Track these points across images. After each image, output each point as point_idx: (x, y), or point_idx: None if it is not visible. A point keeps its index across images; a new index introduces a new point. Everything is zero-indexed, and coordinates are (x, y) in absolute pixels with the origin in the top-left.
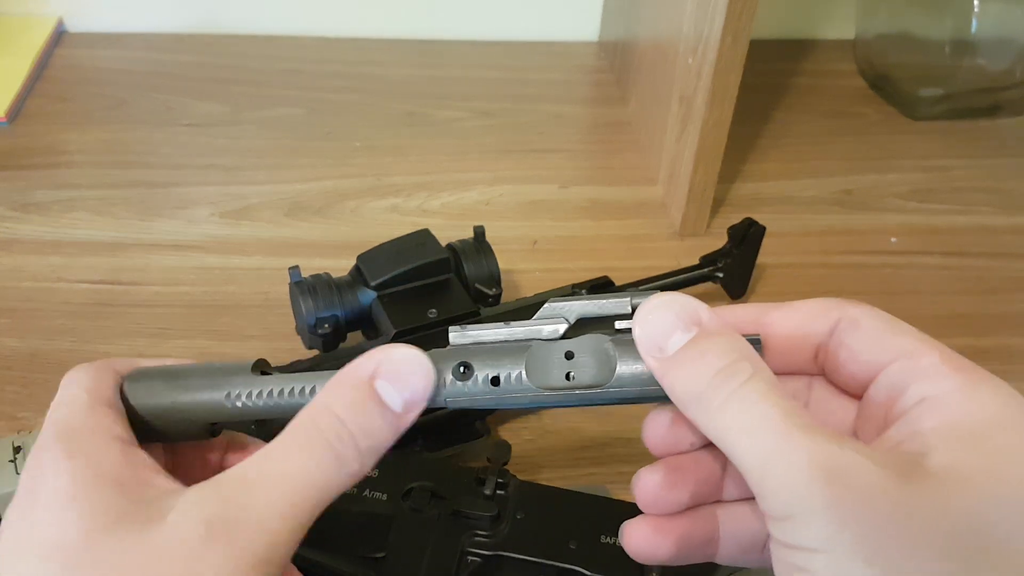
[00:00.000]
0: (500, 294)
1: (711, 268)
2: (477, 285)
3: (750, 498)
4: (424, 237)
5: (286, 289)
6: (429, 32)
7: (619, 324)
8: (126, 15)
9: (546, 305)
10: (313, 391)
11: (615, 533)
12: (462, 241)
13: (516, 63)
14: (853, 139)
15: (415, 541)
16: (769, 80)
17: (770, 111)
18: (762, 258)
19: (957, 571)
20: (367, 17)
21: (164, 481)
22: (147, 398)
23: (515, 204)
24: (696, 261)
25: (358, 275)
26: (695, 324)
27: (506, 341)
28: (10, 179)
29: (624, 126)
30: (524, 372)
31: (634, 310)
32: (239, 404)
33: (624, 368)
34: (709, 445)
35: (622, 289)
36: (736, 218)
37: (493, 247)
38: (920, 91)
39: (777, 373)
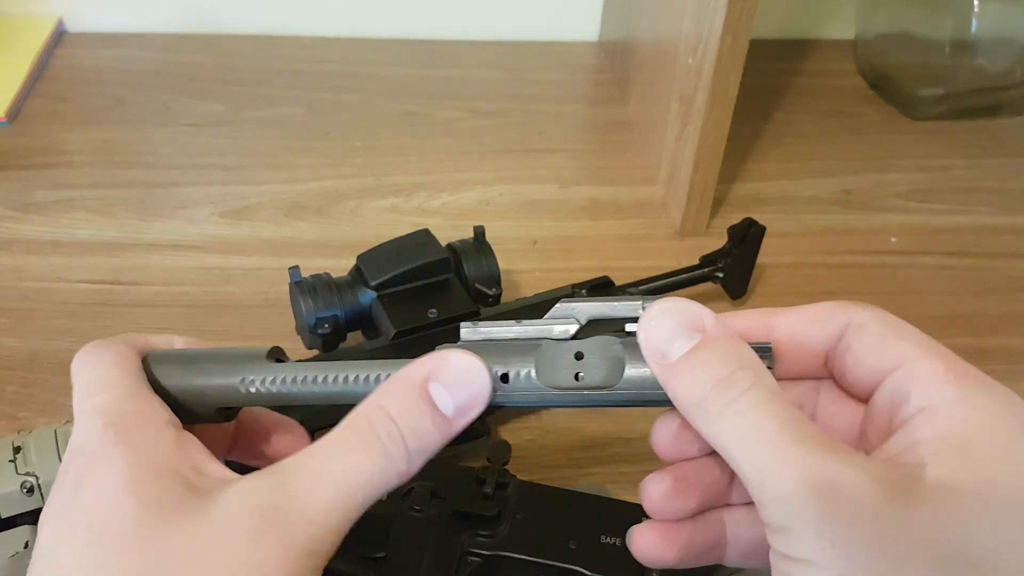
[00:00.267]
0: (500, 294)
1: (711, 268)
2: (477, 285)
3: None
4: (424, 237)
5: (286, 289)
6: (429, 32)
7: (629, 327)
8: (126, 15)
9: (557, 305)
10: (326, 380)
11: (615, 533)
12: (462, 241)
13: (516, 63)
14: (853, 139)
15: (415, 541)
16: (769, 80)
17: (770, 111)
18: (762, 258)
19: None
20: (367, 17)
21: (215, 468)
22: (164, 379)
23: (515, 204)
24: (696, 261)
25: (358, 275)
26: (698, 331)
27: (516, 339)
28: (10, 179)
29: (624, 126)
30: (533, 370)
31: None
32: (252, 390)
33: (633, 371)
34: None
35: (622, 289)
36: (736, 218)
37: (493, 247)
38: (920, 91)
39: (786, 378)
